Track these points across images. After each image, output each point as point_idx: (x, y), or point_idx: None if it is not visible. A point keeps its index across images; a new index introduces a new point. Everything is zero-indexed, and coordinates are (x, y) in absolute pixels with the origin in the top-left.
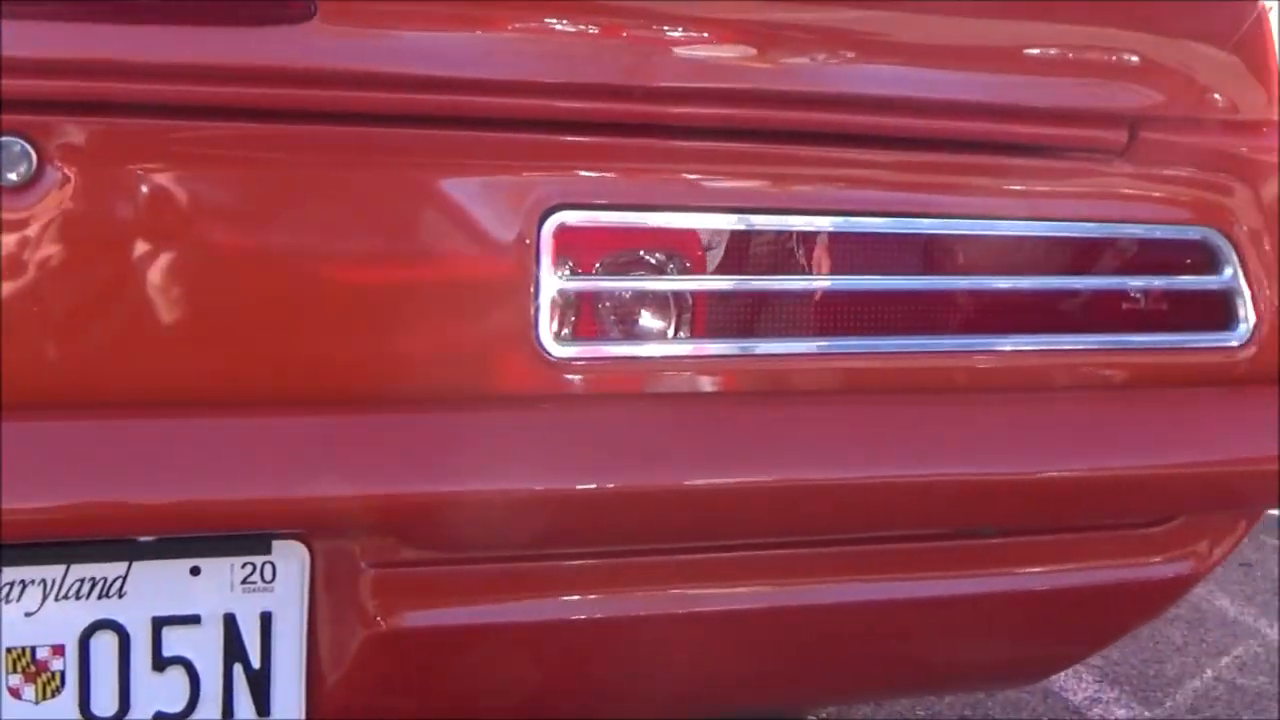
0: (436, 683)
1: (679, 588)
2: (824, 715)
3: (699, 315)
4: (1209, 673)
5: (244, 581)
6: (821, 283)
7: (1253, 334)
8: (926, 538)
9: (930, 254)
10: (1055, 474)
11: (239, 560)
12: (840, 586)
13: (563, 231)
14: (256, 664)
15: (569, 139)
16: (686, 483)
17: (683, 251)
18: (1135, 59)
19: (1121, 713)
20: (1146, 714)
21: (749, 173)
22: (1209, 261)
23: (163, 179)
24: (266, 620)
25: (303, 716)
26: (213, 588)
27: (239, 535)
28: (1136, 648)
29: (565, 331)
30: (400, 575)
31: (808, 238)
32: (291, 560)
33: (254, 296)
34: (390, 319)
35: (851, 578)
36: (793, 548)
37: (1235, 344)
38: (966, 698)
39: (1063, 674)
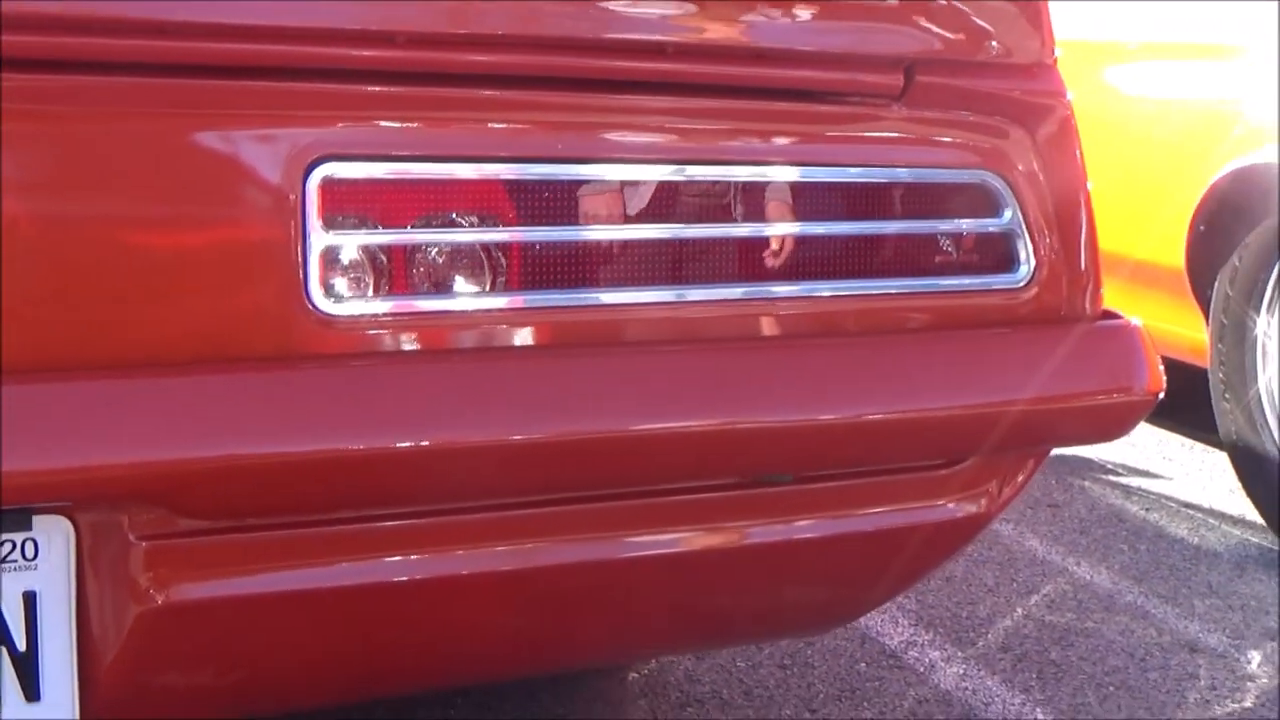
0: (218, 657)
1: (472, 548)
2: (645, 669)
3: (480, 269)
4: (1019, 611)
5: (3, 560)
6: (600, 233)
7: (1033, 275)
8: (724, 488)
9: (711, 202)
10: (845, 419)
11: None
12: (641, 539)
13: (329, 184)
14: (22, 647)
15: (332, 87)
16: (468, 440)
17: (462, 204)
18: (909, 2)
19: (936, 654)
20: (960, 654)
21: (519, 120)
22: (988, 204)
23: None
24: (30, 600)
25: (75, 700)
26: None
27: None
28: (950, 590)
29: (340, 288)
30: (173, 547)
31: (583, 187)
32: (55, 536)
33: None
34: (153, 279)
35: (652, 530)
36: (593, 502)
37: (1017, 285)
38: (785, 646)
39: (879, 619)
